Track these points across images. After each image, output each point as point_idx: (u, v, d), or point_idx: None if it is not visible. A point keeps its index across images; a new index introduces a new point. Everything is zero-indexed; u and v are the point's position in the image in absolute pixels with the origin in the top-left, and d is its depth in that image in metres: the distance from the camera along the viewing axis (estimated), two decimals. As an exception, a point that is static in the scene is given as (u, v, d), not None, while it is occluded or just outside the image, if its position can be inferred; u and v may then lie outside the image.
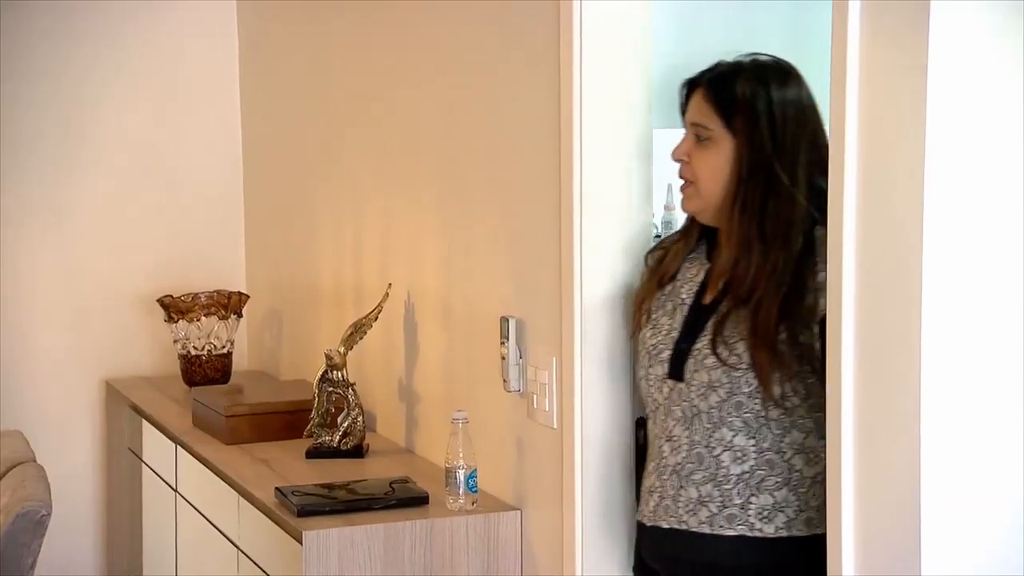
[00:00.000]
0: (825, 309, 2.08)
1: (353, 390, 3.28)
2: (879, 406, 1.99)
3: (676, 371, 2.31)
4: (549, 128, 2.66)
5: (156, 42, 4.59)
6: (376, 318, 3.28)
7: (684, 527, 2.29)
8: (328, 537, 2.75)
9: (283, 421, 3.47)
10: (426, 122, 3.16)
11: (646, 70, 2.76)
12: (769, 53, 2.38)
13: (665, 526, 2.32)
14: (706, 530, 2.27)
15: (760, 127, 2.27)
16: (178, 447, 3.61)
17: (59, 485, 4.23)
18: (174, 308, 4.11)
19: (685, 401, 2.30)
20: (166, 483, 3.80)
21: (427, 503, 2.83)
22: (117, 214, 4.51)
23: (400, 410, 3.39)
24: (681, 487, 2.29)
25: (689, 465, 2.28)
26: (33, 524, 2.89)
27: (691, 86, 2.36)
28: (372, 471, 3.11)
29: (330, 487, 2.91)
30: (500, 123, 2.88)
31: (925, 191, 1.88)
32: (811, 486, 2.23)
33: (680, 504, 2.29)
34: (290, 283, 4.24)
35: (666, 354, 2.33)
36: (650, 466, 2.38)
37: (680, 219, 2.99)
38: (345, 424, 3.26)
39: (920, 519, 1.91)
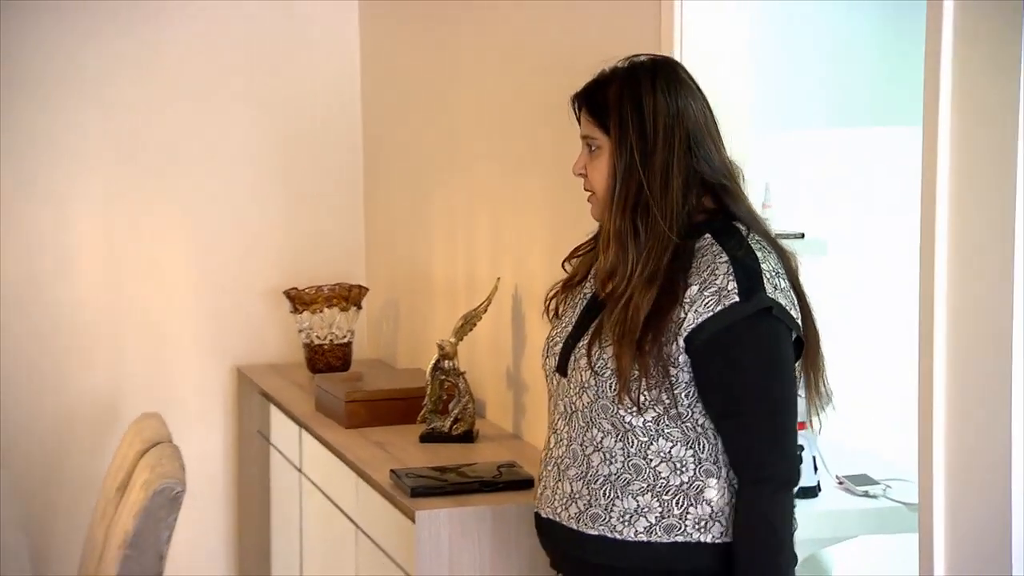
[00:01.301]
0: (692, 324, 2.07)
1: (464, 378, 3.30)
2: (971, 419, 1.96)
3: (562, 367, 2.27)
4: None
5: (279, 45, 4.62)
6: (485, 310, 3.30)
7: (558, 520, 2.26)
8: (439, 517, 2.76)
9: (398, 407, 3.48)
10: (536, 123, 3.15)
11: (746, 76, 2.72)
12: (652, 54, 2.29)
13: (543, 515, 2.31)
14: (574, 525, 2.23)
15: (628, 129, 2.18)
16: (302, 430, 3.66)
17: (194, 465, 4.32)
18: (299, 300, 4.17)
19: (566, 397, 2.27)
20: (291, 464, 3.86)
21: (532, 486, 2.76)
22: (247, 213, 4.57)
23: (508, 398, 3.40)
24: (559, 481, 2.26)
25: (567, 460, 2.25)
26: (169, 500, 2.89)
27: (577, 101, 2.31)
28: (481, 455, 3.13)
29: (442, 470, 2.92)
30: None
31: (1017, 195, 1.84)
32: (675, 494, 2.15)
33: (556, 497, 2.25)
34: (406, 276, 4.26)
35: (558, 348, 2.30)
36: (543, 455, 2.36)
37: (776, 218, 3.00)
38: (456, 410, 3.27)
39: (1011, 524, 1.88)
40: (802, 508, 2.79)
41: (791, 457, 2.14)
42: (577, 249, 2.37)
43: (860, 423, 3.02)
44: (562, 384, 2.26)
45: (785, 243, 2.25)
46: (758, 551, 2.10)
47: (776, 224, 2.95)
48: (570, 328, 2.28)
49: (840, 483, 2.90)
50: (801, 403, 2.47)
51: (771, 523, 2.10)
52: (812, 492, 2.83)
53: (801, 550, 2.91)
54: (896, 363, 2.93)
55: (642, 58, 2.23)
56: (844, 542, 2.99)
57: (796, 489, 2.21)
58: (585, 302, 2.29)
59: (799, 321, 2.14)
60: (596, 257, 2.34)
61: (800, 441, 2.82)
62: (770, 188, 2.99)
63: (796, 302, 2.15)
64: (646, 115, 2.15)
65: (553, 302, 2.36)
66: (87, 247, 4.45)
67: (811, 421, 2.85)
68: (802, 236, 2.98)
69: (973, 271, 1.99)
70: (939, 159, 1.99)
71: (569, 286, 2.35)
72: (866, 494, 2.85)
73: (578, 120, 2.27)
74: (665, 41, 2.68)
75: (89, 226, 4.44)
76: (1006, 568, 1.92)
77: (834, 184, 3.13)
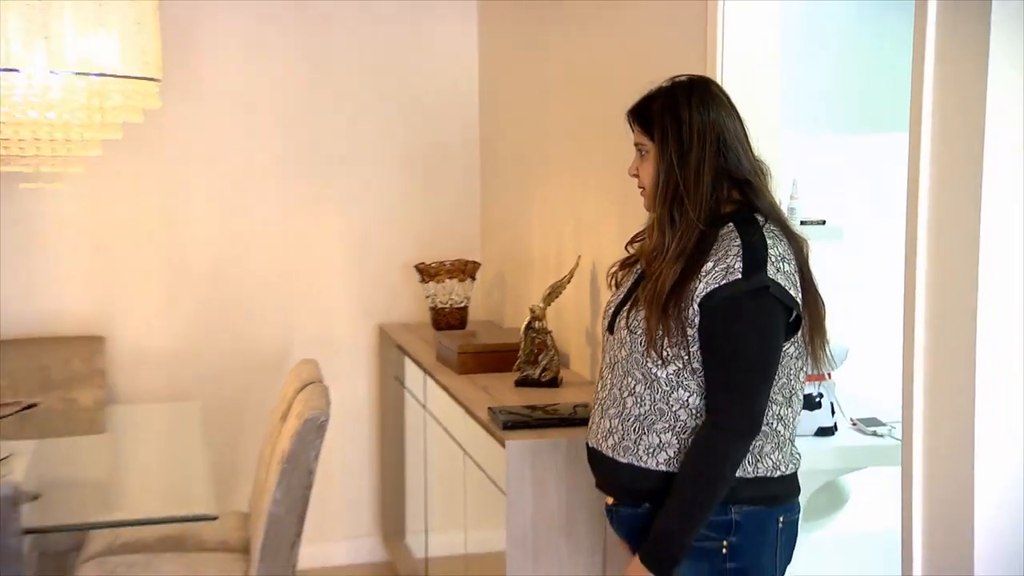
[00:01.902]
0: (703, 293, 2.05)
1: (550, 336, 3.31)
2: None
3: (610, 326, 2.26)
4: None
5: (413, 63, 4.57)
6: (569, 281, 3.30)
7: (599, 449, 2.25)
8: (524, 446, 2.82)
9: (499, 358, 3.50)
10: (608, 131, 3.11)
11: (776, 86, 2.67)
12: (694, 74, 2.26)
13: (590, 445, 2.29)
14: (610, 454, 2.22)
15: (668, 137, 2.16)
16: (427, 376, 3.69)
17: (346, 402, 4.44)
18: (426, 272, 4.19)
19: (611, 351, 2.25)
20: (419, 402, 3.90)
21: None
22: (387, 203, 4.57)
23: (587, 351, 3.41)
24: (602, 418, 2.24)
25: (608, 402, 2.23)
26: (316, 427, 2.95)
27: (629, 115, 2.27)
28: (563, 398, 3.13)
29: (531, 408, 2.95)
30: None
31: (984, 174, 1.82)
32: (691, 434, 2.14)
33: (599, 431, 2.25)
34: (511, 254, 4.27)
35: (610, 311, 2.28)
36: (594, 397, 2.33)
37: (802, 209, 2.98)
38: (544, 361, 3.28)
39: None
40: (821, 444, 2.82)
41: (751, 413, 2.09)
42: (637, 235, 2.36)
43: (871, 376, 2.97)
44: (609, 340, 2.25)
45: (800, 231, 2.21)
46: (685, 472, 2.10)
47: (801, 213, 2.95)
48: (621, 296, 2.27)
49: (853, 424, 2.89)
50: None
51: (709, 456, 2.08)
52: (830, 431, 2.85)
53: (821, 478, 2.92)
54: (899, 327, 2.91)
55: (682, 78, 2.21)
56: (856, 472, 2.97)
57: (795, 443, 2.18)
58: (635, 276, 2.28)
59: (798, 299, 2.08)
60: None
61: (820, 390, 2.85)
62: (797, 183, 2.96)
63: (799, 284, 2.09)
64: (683, 125, 2.13)
65: (614, 275, 2.35)
66: (266, 231, 4.49)
67: (829, 375, 2.85)
68: (823, 223, 2.96)
69: (945, 253, 1.96)
70: (921, 156, 1.97)
71: (627, 264, 2.34)
72: (874, 433, 2.84)
73: (632, 130, 2.26)
74: (710, 65, 2.65)
75: (267, 214, 4.48)
76: (969, 494, 1.89)
77: (851, 181, 3.09)
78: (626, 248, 2.36)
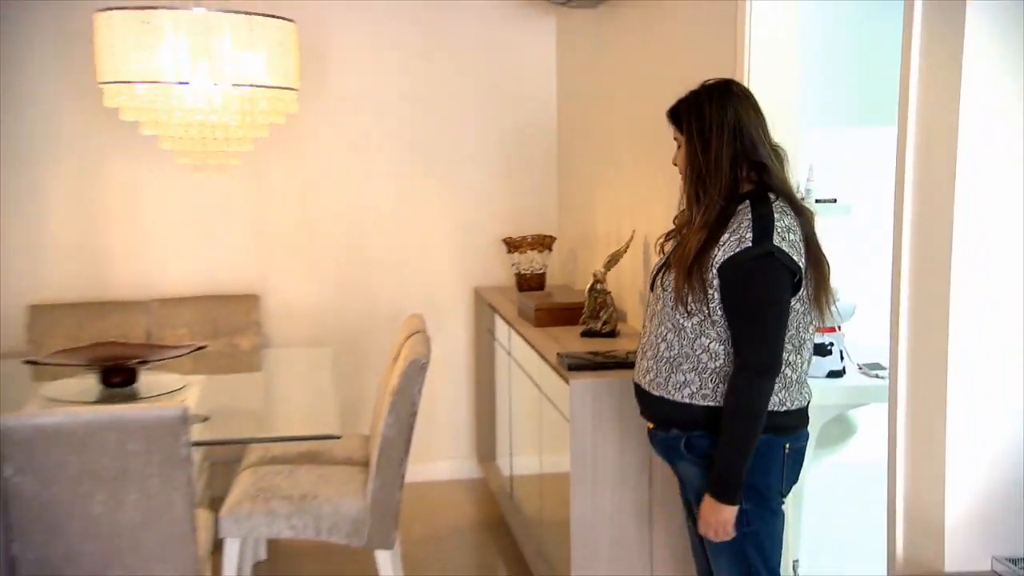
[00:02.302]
0: (721, 259, 2.05)
1: (610, 296, 3.33)
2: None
3: (652, 285, 2.27)
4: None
5: (505, 71, 4.52)
6: (626, 251, 3.31)
7: (641, 385, 2.26)
8: (585, 384, 2.82)
9: (569, 314, 3.52)
10: (657, 126, 3.06)
11: (795, 76, 2.62)
12: (720, 78, 2.22)
13: (634, 381, 2.30)
14: (647, 389, 2.23)
15: (692, 131, 2.16)
16: (511, 328, 3.72)
17: (447, 349, 4.54)
18: (512, 244, 4.21)
19: (651, 305, 2.25)
20: (504, 349, 3.93)
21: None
22: (481, 185, 4.57)
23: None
24: (642, 359, 2.25)
25: (647, 346, 2.24)
26: (418, 368, 2.99)
27: (668, 115, 2.27)
28: (619, 346, 3.15)
29: (593, 354, 2.98)
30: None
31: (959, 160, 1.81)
32: (710, 374, 2.13)
33: (641, 370, 2.26)
34: (580, 228, 4.25)
35: (652, 273, 2.29)
36: (638, 343, 2.33)
37: (816, 190, 2.92)
38: (604, 316, 3.31)
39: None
40: (831, 384, 2.82)
41: (769, 353, 2.08)
42: (680, 213, 2.37)
43: (874, 328, 2.94)
44: (650, 296, 2.28)
45: (810, 205, 2.21)
46: (727, 414, 2.09)
47: (816, 193, 2.90)
48: (662, 260, 2.28)
49: (859, 369, 2.87)
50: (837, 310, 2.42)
51: (740, 396, 2.07)
52: (839, 374, 2.83)
53: (832, 412, 2.90)
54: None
55: (709, 81, 2.20)
56: (861, 407, 2.95)
57: (803, 375, 2.17)
58: (675, 244, 2.28)
59: (800, 264, 2.07)
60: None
61: (831, 340, 2.84)
62: (813, 168, 2.92)
63: (804, 251, 2.08)
64: (704, 121, 2.14)
65: (661, 245, 2.36)
66: (385, 210, 4.51)
67: (839, 327, 2.86)
68: (835, 201, 2.91)
69: (928, 227, 1.95)
70: (907, 145, 1.96)
71: (671, 235, 2.34)
72: (877, 376, 2.82)
73: (670, 127, 2.27)
74: (739, 66, 2.62)
75: (385, 196, 4.50)
76: (942, 426, 1.90)
77: (859, 166, 3.02)
78: (673, 222, 2.37)
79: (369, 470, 3.12)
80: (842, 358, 2.82)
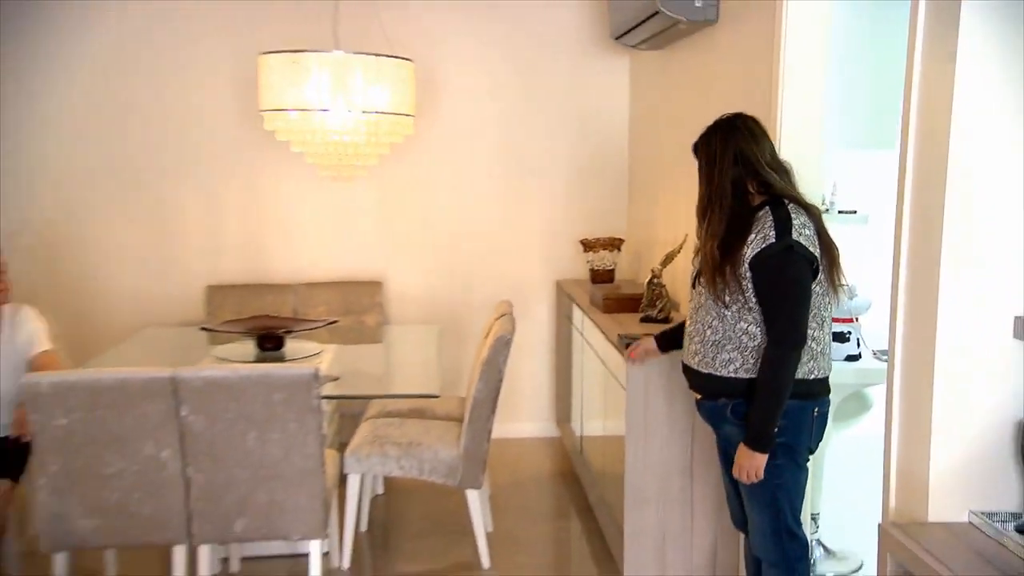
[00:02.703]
0: (750, 255, 2.04)
1: (665, 288, 3.28)
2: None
3: (693, 284, 2.26)
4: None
5: (586, 96, 4.44)
6: (679, 252, 3.23)
7: (689, 365, 2.26)
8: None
9: (631, 303, 3.45)
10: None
11: (819, 106, 2.55)
12: (731, 112, 2.19)
13: (684, 362, 2.30)
14: (695, 367, 2.23)
15: (702, 161, 2.19)
16: (584, 314, 3.70)
17: (532, 330, 4.53)
18: (587, 245, 4.15)
19: (695, 299, 2.24)
20: (579, 332, 3.90)
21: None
22: (563, 195, 4.53)
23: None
24: (690, 343, 2.25)
25: (694, 332, 2.24)
26: (504, 343, 3.04)
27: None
28: None
29: (647, 336, 2.87)
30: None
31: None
32: (750, 352, 2.12)
33: (689, 352, 2.26)
34: (644, 232, 4.19)
35: (692, 275, 2.28)
36: (686, 329, 2.31)
37: (839, 203, 2.84)
38: (659, 305, 3.26)
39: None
40: (848, 366, 2.75)
41: (796, 329, 2.07)
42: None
43: (886, 320, 2.87)
44: (692, 293, 2.29)
45: (814, 204, 2.18)
46: (761, 380, 2.10)
47: (840, 205, 2.82)
48: (697, 269, 2.27)
49: (874, 354, 2.81)
50: (850, 303, 2.40)
51: (773, 365, 2.07)
52: (856, 358, 2.78)
53: (849, 390, 2.82)
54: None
55: (723, 116, 2.19)
56: (875, 386, 2.88)
57: (823, 352, 2.14)
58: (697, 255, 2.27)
59: (816, 254, 2.07)
60: None
61: (849, 329, 2.79)
62: (836, 184, 2.85)
63: (818, 243, 2.07)
64: (709, 152, 2.17)
65: (694, 259, 2.33)
66: (484, 214, 4.50)
67: (856, 319, 2.81)
68: (855, 212, 2.84)
69: (921, 232, 1.92)
70: (907, 164, 1.92)
71: (697, 251, 2.30)
72: (886, 360, 2.72)
73: None
74: (774, 100, 2.57)
75: (485, 202, 4.49)
76: (929, 402, 1.89)
77: (876, 183, 2.93)
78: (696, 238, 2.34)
79: (463, 425, 3.15)
80: (858, 345, 2.78)
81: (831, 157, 2.72)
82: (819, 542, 2.93)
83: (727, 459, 2.31)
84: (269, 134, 3.47)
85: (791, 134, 2.52)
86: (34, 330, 2.99)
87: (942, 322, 1.82)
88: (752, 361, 2.13)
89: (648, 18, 3.16)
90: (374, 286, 4.40)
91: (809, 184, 2.40)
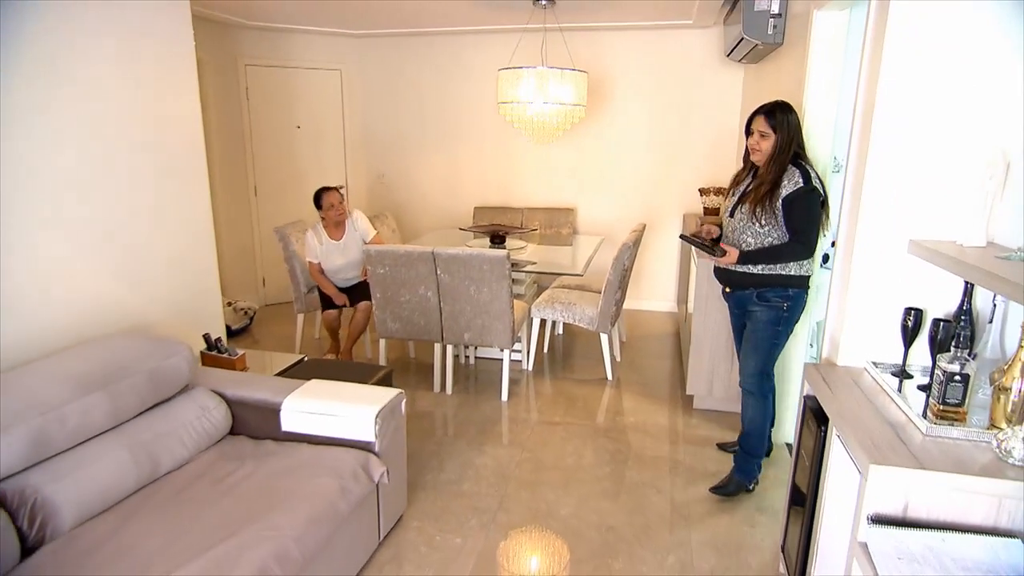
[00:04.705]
0: (783, 195, 1.98)
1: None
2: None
3: (732, 212, 2.17)
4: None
5: (704, 101, 4.21)
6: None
7: (728, 267, 2.18)
8: (702, 262, 2.75)
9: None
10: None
11: (831, 104, 2.38)
12: (779, 100, 2.09)
13: (722, 268, 2.21)
14: (734, 268, 2.17)
15: (779, 130, 2.11)
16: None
17: (662, 245, 4.45)
18: (703, 191, 3.84)
19: (732, 223, 2.15)
20: (689, 246, 3.67)
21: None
22: (691, 161, 4.30)
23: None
24: (727, 253, 2.16)
25: (731, 243, 2.17)
26: (626, 248, 3.07)
27: (754, 114, 2.12)
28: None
29: (698, 238, 2.32)
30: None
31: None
32: (777, 257, 2.08)
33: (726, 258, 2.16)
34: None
35: (729, 207, 2.19)
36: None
37: (839, 164, 2.56)
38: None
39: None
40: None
41: (810, 243, 2.08)
42: (739, 173, 2.29)
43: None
44: (727, 219, 2.23)
45: (821, 166, 2.21)
46: (774, 251, 2.09)
47: (838, 165, 2.62)
48: (735, 198, 2.23)
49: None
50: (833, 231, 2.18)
51: (786, 250, 2.08)
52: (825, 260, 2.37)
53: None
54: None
55: (779, 100, 2.18)
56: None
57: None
58: (741, 190, 2.22)
59: (824, 195, 2.09)
60: (746, 174, 2.23)
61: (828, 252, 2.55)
62: (837, 159, 2.63)
63: (823, 189, 2.10)
64: (788, 123, 2.11)
65: (731, 189, 2.26)
66: (639, 168, 4.30)
67: (833, 244, 2.48)
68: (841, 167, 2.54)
69: (855, 180, 1.85)
70: (854, 137, 1.94)
71: (732, 184, 2.27)
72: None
73: (748, 123, 2.15)
74: (805, 98, 2.47)
75: (640, 161, 4.30)
76: (850, 292, 1.84)
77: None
78: (733, 179, 2.27)
79: (600, 295, 3.30)
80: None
81: (838, 138, 2.53)
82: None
83: (741, 329, 2.32)
84: (500, 119, 3.71)
85: (814, 117, 2.47)
86: (366, 224, 3.43)
87: (859, 241, 1.86)
88: (779, 263, 2.13)
89: (739, 42, 3.15)
90: (569, 211, 4.41)
91: (826, 147, 2.36)
